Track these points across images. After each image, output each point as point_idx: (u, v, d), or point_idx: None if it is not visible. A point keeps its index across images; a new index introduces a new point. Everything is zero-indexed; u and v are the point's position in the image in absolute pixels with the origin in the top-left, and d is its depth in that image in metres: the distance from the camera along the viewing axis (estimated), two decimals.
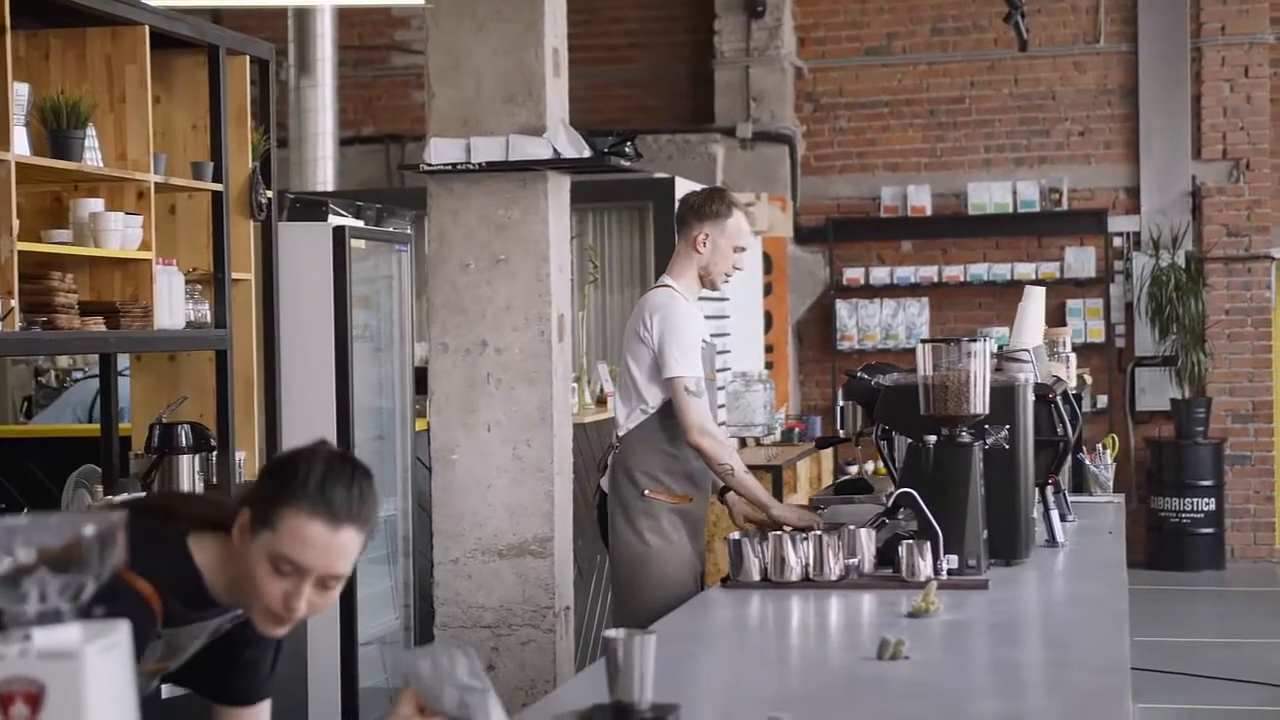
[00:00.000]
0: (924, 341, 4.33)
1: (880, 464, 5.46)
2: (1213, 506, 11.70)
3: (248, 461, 5.65)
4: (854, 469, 10.05)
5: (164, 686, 2.85)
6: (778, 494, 8.59)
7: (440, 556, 5.49)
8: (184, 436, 5.31)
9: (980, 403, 4.27)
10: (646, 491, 4.93)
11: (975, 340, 4.31)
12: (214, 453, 5.43)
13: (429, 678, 2.23)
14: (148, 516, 2.64)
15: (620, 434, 4.99)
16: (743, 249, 5.02)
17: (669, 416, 4.88)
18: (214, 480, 5.44)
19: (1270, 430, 12.09)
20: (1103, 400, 11.99)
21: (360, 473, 2.57)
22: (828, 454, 10.64)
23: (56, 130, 4.75)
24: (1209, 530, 11.70)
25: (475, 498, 5.45)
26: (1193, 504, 11.67)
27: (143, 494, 4.75)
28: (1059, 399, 4.92)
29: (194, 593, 2.61)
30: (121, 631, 1.74)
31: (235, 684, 2.81)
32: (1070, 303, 12.09)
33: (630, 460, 4.96)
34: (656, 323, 4.88)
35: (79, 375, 8.42)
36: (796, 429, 10.39)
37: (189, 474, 5.28)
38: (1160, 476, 11.79)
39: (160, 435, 5.31)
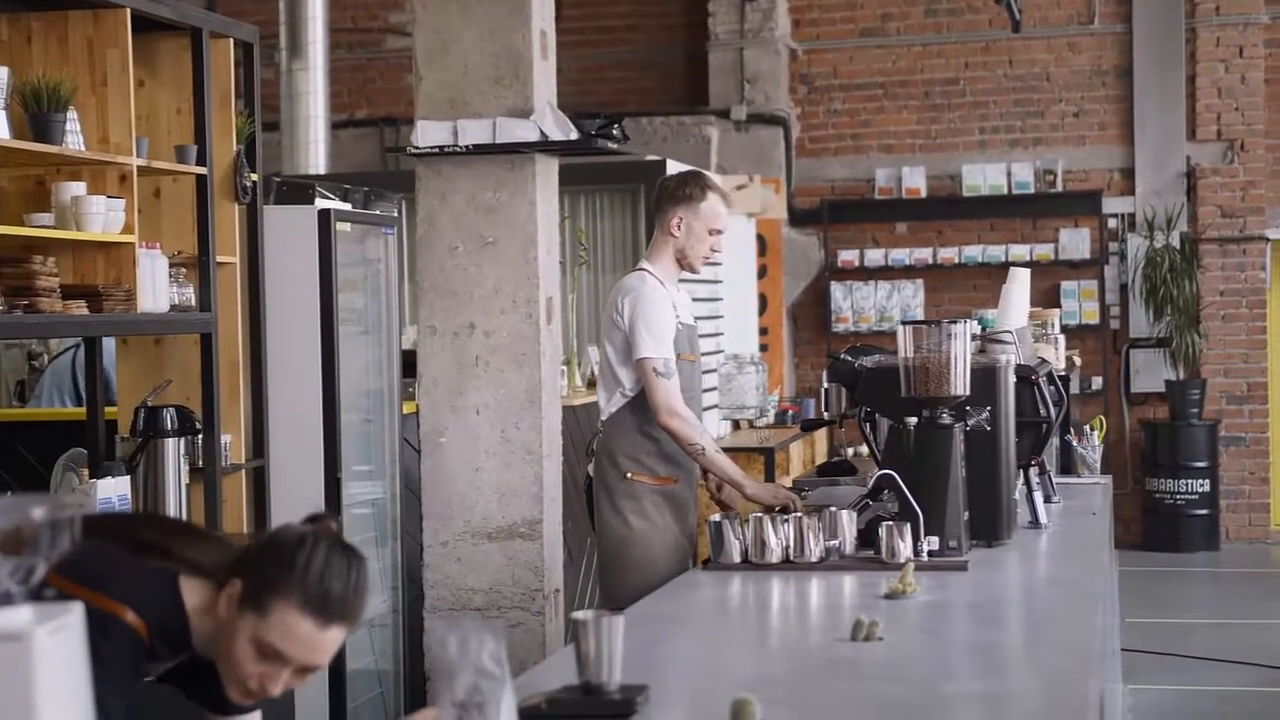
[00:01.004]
0: (905, 323, 4.34)
1: None
2: (1207, 488, 11.70)
3: (233, 445, 5.65)
4: (849, 451, 10.06)
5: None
6: (769, 476, 8.60)
7: (429, 539, 5.49)
8: (169, 420, 5.30)
9: (961, 384, 4.27)
10: (629, 474, 4.93)
11: (956, 322, 4.30)
12: (199, 436, 5.42)
13: (454, 654, 2.21)
14: (144, 552, 2.62)
15: (602, 419, 5.00)
16: (718, 231, 5.00)
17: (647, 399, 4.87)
18: (199, 464, 5.44)
19: (1265, 411, 12.09)
20: (1097, 382, 11.99)
21: (357, 564, 2.56)
22: (822, 436, 10.64)
23: (37, 114, 4.73)
24: (1204, 512, 11.70)
25: (464, 481, 5.45)
26: (1187, 485, 11.67)
27: (135, 514, 4.66)
28: (1042, 380, 4.91)
29: (179, 636, 2.61)
30: (74, 614, 1.74)
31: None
32: (1065, 284, 12.08)
33: (612, 444, 4.96)
34: (627, 305, 4.88)
35: None
36: (790, 411, 10.37)
37: (174, 457, 5.27)
38: (1155, 458, 11.79)
39: (146, 418, 5.30)
